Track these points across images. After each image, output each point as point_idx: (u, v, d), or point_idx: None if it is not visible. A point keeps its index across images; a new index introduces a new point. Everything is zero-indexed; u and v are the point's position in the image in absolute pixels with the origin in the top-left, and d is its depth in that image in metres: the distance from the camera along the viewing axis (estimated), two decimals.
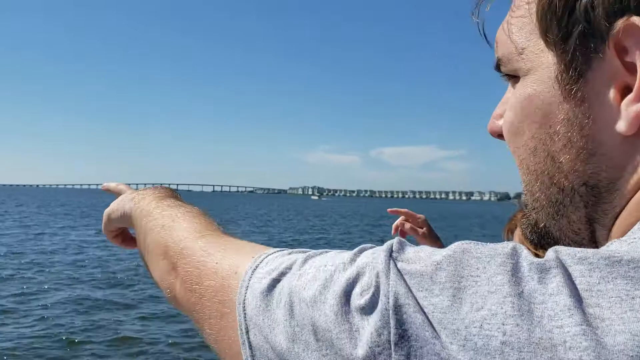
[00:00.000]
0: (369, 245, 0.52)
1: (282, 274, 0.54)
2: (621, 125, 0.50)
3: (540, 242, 0.61)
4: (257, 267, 0.58)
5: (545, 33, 0.54)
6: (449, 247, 0.47)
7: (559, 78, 0.53)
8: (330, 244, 20.78)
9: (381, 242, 0.52)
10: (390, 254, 0.46)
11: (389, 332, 0.41)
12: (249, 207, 65.09)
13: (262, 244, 0.68)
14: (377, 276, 0.45)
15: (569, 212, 0.56)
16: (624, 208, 0.53)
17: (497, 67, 0.63)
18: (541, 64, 0.56)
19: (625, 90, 0.50)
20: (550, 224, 0.59)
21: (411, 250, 0.47)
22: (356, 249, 0.51)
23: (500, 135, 0.65)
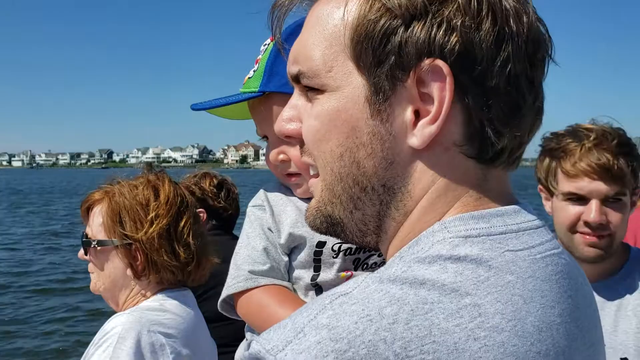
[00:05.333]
0: None
1: None
2: (414, 141, 0.62)
3: (328, 230, 0.71)
4: None
5: (357, 58, 0.62)
6: None
7: (369, 99, 0.62)
8: None
9: None
10: None
11: None
12: None
13: None
14: None
15: (365, 207, 0.67)
16: (414, 208, 0.64)
17: (296, 79, 0.69)
18: (350, 83, 0.64)
19: (416, 113, 0.62)
20: (345, 216, 0.68)
21: None
22: None
23: (288, 137, 0.73)
